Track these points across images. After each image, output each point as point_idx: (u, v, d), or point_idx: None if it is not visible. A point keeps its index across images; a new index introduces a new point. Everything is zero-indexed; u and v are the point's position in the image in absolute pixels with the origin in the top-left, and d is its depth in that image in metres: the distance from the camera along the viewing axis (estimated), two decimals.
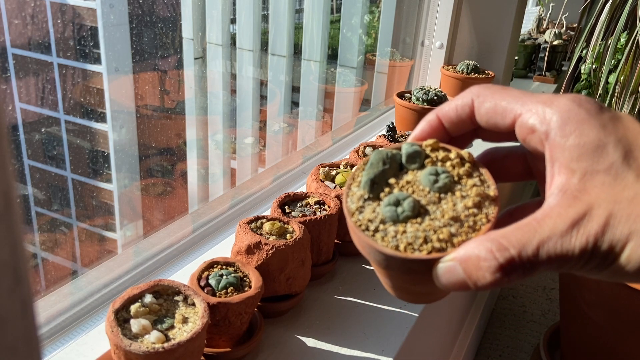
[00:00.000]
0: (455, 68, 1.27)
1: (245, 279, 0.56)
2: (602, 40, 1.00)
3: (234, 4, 0.99)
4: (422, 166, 0.32)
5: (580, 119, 0.27)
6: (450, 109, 0.32)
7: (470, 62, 1.25)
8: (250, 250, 0.59)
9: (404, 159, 0.32)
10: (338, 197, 0.70)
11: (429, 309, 0.70)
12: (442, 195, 0.30)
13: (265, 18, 1.06)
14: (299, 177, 0.95)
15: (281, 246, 0.58)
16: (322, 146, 1.07)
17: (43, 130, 0.71)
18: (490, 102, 0.30)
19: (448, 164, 0.32)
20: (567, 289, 1.19)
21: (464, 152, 0.32)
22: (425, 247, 0.28)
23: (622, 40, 1.08)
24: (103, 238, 0.80)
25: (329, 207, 0.68)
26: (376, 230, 0.29)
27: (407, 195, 0.30)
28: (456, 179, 0.31)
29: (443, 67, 1.30)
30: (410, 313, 0.65)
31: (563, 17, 1.97)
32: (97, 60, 0.71)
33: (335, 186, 0.73)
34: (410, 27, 1.33)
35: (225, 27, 0.97)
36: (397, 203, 0.30)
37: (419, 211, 0.30)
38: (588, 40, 1.02)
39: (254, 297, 0.53)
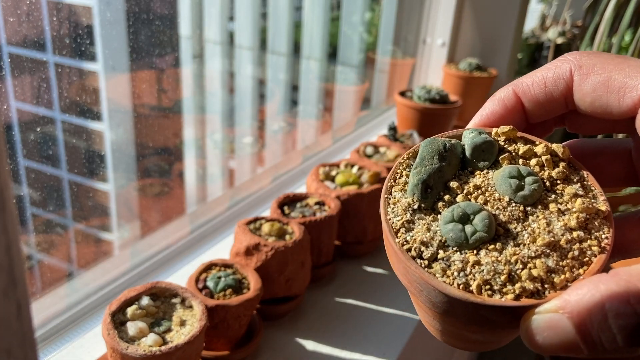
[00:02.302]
0: (457, 66, 1.26)
1: (243, 280, 0.56)
2: (606, 38, 0.99)
3: (232, 1, 0.98)
4: (495, 164, 0.23)
5: None
6: (536, 83, 0.23)
7: (473, 60, 1.24)
8: (249, 251, 0.58)
9: (468, 153, 0.23)
10: (338, 197, 0.69)
11: None
12: (530, 209, 0.21)
13: (264, 16, 1.05)
14: (299, 177, 0.95)
15: (280, 247, 0.57)
16: (322, 146, 1.07)
17: (38, 129, 0.70)
18: (599, 74, 0.21)
19: (534, 161, 0.23)
20: None
21: (556, 146, 0.23)
22: (512, 289, 0.20)
23: (627, 38, 1.07)
24: (99, 239, 0.80)
25: (329, 207, 0.67)
26: (434, 258, 0.21)
27: (479, 207, 0.21)
28: (548, 184, 0.22)
29: (445, 65, 1.29)
30: (411, 316, 0.64)
31: (567, 15, 1.96)
32: (93, 58, 0.70)
33: (336, 186, 0.72)
34: (411, 25, 1.32)
35: (223, 25, 0.96)
36: (465, 219, 0.21)
37: (497, 232, 0.21)
38: (592, 39, 1.01)
39: (252, 299, 0.53)
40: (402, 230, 0.22)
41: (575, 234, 0.21)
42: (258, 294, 0.54)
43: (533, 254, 0.20)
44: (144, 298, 0.49)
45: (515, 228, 0.21)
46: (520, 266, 0.20)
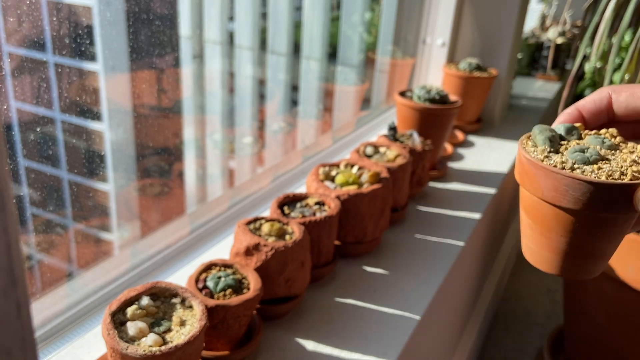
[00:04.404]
0: (457, 66, 1.26)
1: (243, 280, 0.55)
2: (606, 38, 0.99)
3: (232, 1, 0.98)
4: (580, 139, 0.37)
5: None
6: (588, 101, 0.38)
7: (473, 60, 1.24)
8: (249, 251, 0.58)
9: (562, 132, 0.37)
10: (338, 197, 0.69)
11: (431, 311, 0.69)
12: (613, 152, 0.35)
13: (264, 16, 1.05)
14: (299, 177, 0.95)
15: (280, 247, 0.57)
16: (322, 146, 1.07)
17: (38, 129, 0.70)
18: (627, 91, 0.36)
19: (602, 137, 0.37)
20: (571, 291, 1.18)
21: (611, 130, 0.37)
22: (625, 177, 0.32)
23: (627, 38, 1.07)
24: (99, 239, 0.80)
25: (329, 207, 0.67)
26: (572, 169, 0.33)
27: (587, 146, 0.35)
28: (616, 144, 0.36)
29: (445, 65, 1.29)
30: (411, 316, 0.64)
31: (567, 15, 1.96)
32: (93, 58, 0.70)
33: (336, 186, 0.72)
34: (411, 25, 1.32)
35: (223, 25, 0.96)
36: (582, 151, 0.35)
37: (602, 158, 0.34)
38: (592, 39, 1.01)
39: (252, 299, 0.53)
40: (546, 160, 0.35)
41: None
42: (258, 294, 0.53)
43: (629, 165, 0.34)
44: (144, 298, 0.49)
45: (611, 157, 0.35)
46: (626, 167, 0.33)
